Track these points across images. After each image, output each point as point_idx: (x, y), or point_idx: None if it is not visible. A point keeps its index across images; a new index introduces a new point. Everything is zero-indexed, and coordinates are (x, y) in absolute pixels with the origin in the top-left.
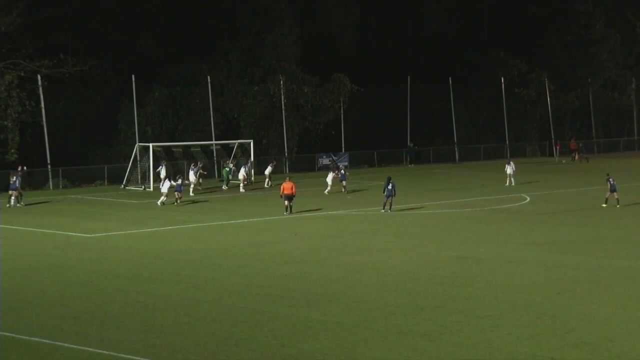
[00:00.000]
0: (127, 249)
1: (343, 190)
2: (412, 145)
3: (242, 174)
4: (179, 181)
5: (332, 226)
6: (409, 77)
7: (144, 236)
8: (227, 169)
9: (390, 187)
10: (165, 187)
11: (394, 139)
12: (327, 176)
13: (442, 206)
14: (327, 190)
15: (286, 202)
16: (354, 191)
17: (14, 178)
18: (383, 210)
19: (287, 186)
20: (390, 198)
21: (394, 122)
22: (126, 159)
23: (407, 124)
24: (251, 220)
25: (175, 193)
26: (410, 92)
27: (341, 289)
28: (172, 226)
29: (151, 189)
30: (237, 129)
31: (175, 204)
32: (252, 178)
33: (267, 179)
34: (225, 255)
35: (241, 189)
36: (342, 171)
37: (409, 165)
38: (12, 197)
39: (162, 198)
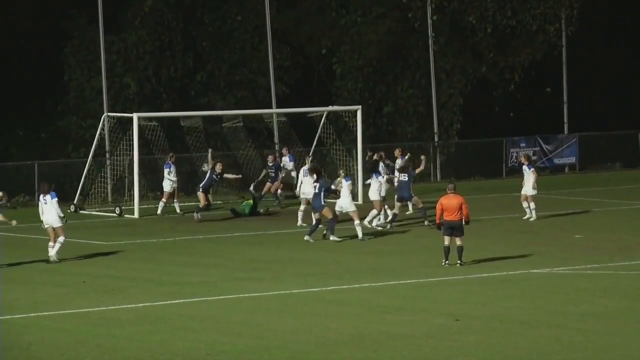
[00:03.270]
0: (82, 352)
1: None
2: None
3: (306, 185)
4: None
5: (541, 301)
6: None
7: (120, 322)
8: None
9: None
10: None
11: None
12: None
13: None
14: (532, 216)
15: (447, 240)
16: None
17: None
18: None
19: (449, 204)
20: None
21: None
22: (81, 148)
23: None
24: (356, 285)
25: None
26: None
27: None
28: (181, 299)
29: (135, 215)
30: (327, 80)
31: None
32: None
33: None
34: None
35: (299, 221)
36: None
37: None
38: None
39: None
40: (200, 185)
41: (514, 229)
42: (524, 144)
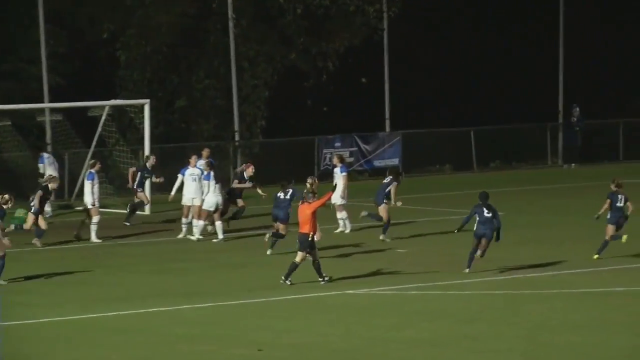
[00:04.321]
0: None
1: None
2: (576, 113)
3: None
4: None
5: (358, 327)
6: None
7: None
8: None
9: (488, 213)
10: None
11: (521, 104)
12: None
13: None
14: (345, 228)
15: (299, 256)
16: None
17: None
18: (468, 270)
19: (300, 215)
20: (486, 242)
21: (520, 63)
22: None
23: (559, 67)
24: (144, 310)
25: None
26: None
27: None
28: None
29: None
30: (111, 70)
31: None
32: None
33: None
34: None
35: (93, 237)
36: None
37: (566, 166)
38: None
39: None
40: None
41: (326, 244)
42: (339, 144)
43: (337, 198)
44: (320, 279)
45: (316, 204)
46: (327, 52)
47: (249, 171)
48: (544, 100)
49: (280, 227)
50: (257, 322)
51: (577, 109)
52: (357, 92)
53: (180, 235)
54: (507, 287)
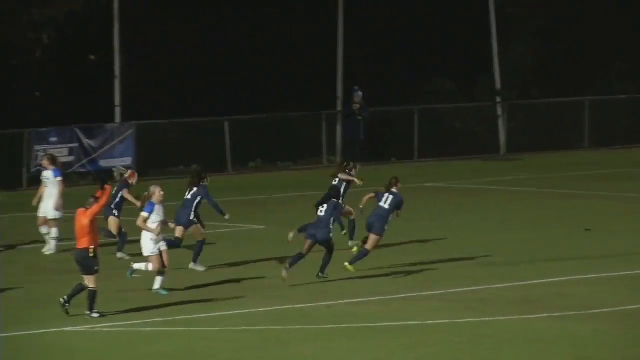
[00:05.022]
0: None
1: None
2: (358, 99)
3: None
4: None
5: None
6: None
7: None
8: None
9: (323, 213)
10: None
11: (289, 87)
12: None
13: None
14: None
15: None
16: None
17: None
18: (287, 269)
19: (77, 225)
20: (310, 244)
21: (288, 37)
22: None
23: (337, 39)
24: None
25: None
26: None
27: None
28: None
29: None
30: None
31: None
32: None
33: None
34: None
35: None
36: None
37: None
38: None
39: None
40: None
41: (41, 266)
42: (55, 139)
43: (48, 209)
44: (88, 312)
45: (94, 209)
46: (41, 21)
47: (134, 179)
48: (318, 82)
49: (178, 229)
50: None
51: (360, 93)
52: (81, 73)
53: None
54: (269, 322)
